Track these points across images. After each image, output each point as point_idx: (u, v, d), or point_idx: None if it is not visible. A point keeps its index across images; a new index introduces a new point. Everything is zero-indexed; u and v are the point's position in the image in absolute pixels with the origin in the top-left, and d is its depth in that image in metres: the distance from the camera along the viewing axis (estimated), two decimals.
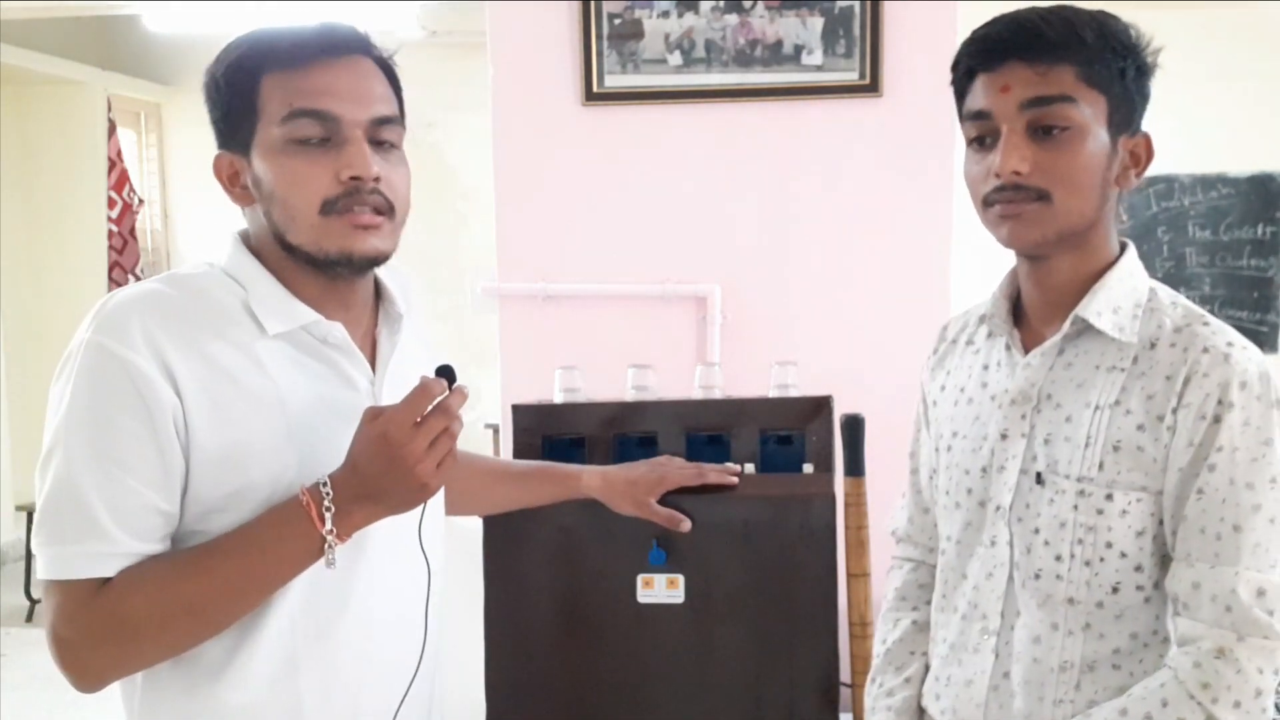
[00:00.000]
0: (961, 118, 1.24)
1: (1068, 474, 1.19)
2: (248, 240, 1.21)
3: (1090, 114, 1.16)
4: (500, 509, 1.68)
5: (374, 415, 1.10)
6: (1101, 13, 1.19)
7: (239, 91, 1.14)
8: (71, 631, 1.09)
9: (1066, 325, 1.22)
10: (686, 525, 1.65)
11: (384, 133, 1.18)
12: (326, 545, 1.09)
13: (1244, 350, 1.16)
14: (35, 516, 1.10)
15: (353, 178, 1.13)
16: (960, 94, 1.24)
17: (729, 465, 1.72)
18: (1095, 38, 1.16)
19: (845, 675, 1.95)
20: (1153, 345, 1.19)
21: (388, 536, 1.21)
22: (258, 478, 1.12)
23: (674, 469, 1.66)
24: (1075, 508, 1.18)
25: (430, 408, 1.09)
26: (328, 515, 1.09)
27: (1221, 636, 1.12)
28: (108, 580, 1.09)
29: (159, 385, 1.08)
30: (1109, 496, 1.17)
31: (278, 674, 1.16)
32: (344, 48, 1.16)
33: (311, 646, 1.17)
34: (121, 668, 1.13)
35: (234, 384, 1.12)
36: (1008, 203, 1.18)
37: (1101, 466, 1.18)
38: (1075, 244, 1.21)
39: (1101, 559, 1.18)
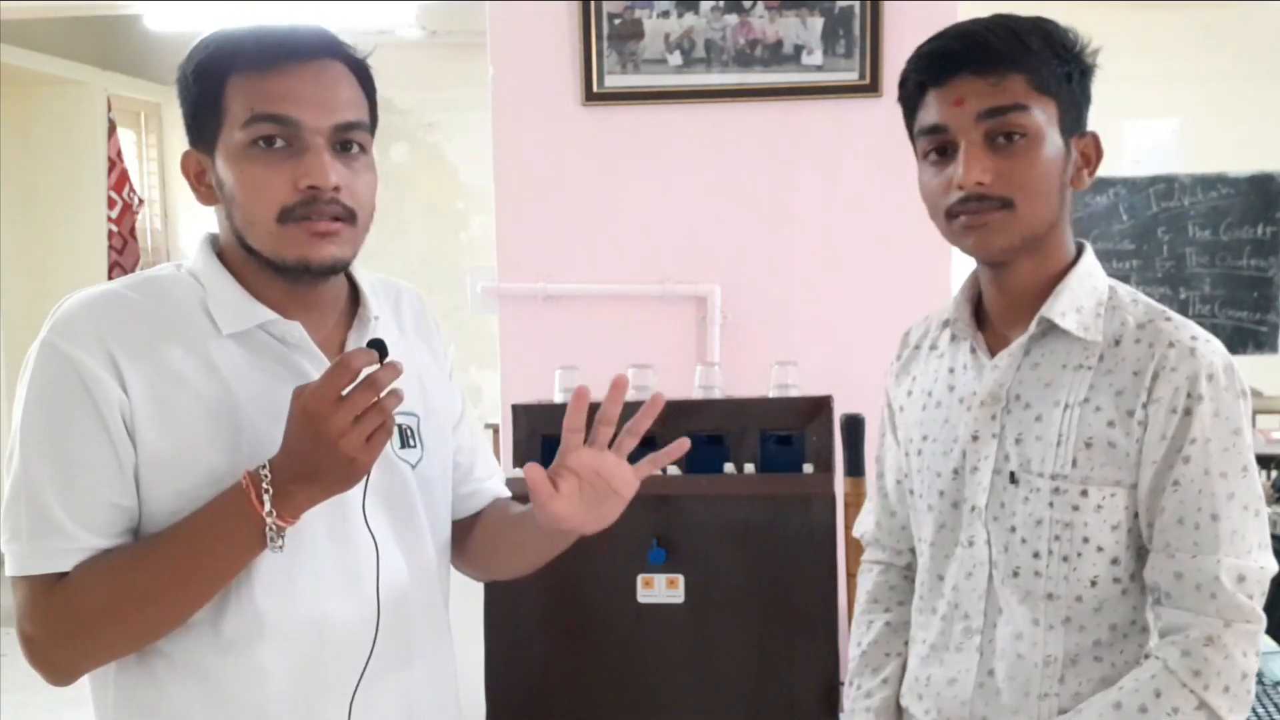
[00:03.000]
0: (913, 133, 1.25)
1: (1041, 472, 1.22)
2: (215, 242, 1.22)
3: (1043, 119, 1.18)
4: (526, 566, 1.40)
5: (296, 393, 1.09)
6: (1040, 18, 1.21)
7: (205, 91, 1.14)
8: (34, 628, 1.11)
9: (1032, 326, 1.24)
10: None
11: (349, 137, 1.16)
12: (269, 528, 1.09)
13: (1208, 344, 1.19)
14: None
15: (310, 187, 1.12)
16: (911, 109, 1.25)
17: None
18: (1040, 45, 1.18)
19: (845, 675, 1.95)
20: (1117, 342, 1.21)
21: (334, 516, 1.18)
22: (205, 480, 1.12)
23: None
24: (1051, 505, 1.21)
25: (358, 381, 1.07)
26: (266, 497, 1.08)
27: (1209, 624, 1.14)
28: (64, 575, 1.10)
29: (106, 382, 1.09)
30: (1084, 492, 1.19)
31: (246, 682, 1.15)
32: (311, 51, 1.14)
33: (283, 648, 1.16)
34: (86, 661, 1.14)
35: (182, 386, 1.12)
36: (973, 213, 1.19)
37: (1075, 463, 1.20)
38: (1036, 247, 1.23)
39: (1079, 554, 1.20)
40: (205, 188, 1.18)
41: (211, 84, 1.14)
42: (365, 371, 1.08)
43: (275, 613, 1.16)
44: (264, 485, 1.09)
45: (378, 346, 1.11)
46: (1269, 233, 5.26)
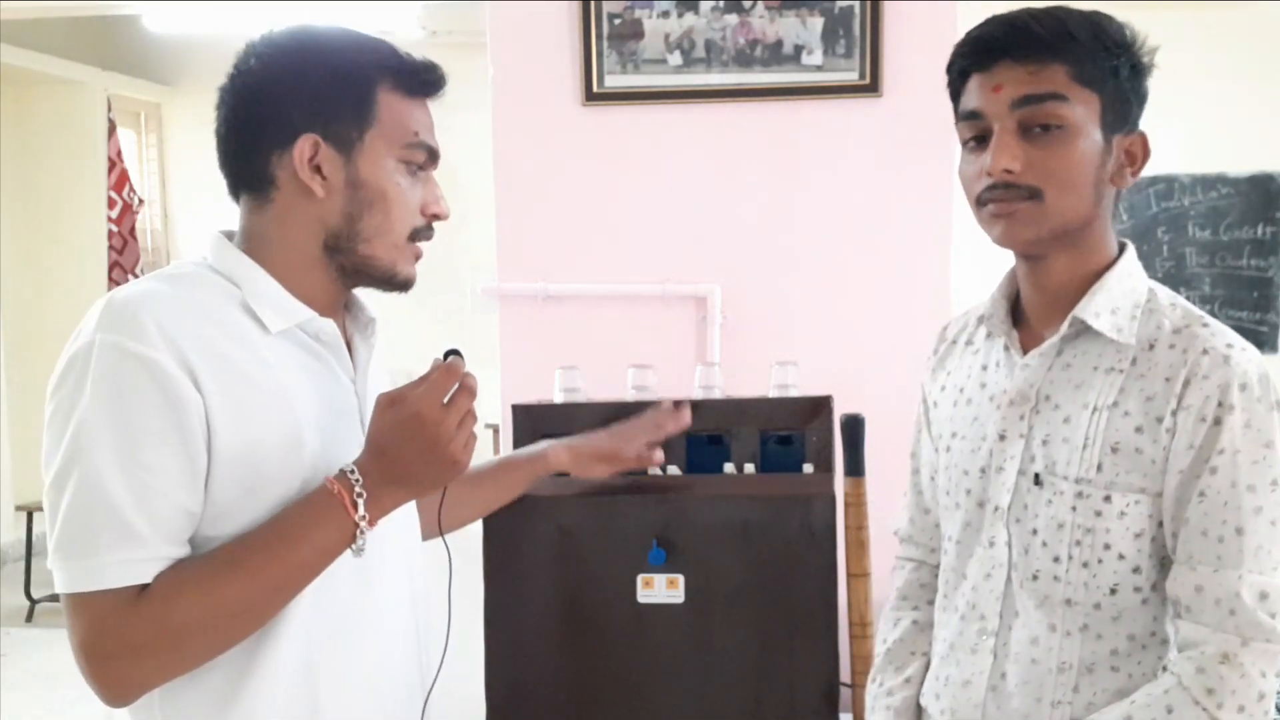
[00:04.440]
0: (957, 119, 1.25)
1: (1066, 475, 1.19)
2: (233, 239, 1.22)
3: (1082, 112, 1.16)
4: (480, 514, 1.70)
5: (394, 400, 1.12)
6: (1095, 12, 1.19)
7: (353, 90, 1.17)
8: (111, 644, 1.06)
9: (1065, 326, 1.22)
10: (659, 457, 1.70)
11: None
12: (358, 532, 1.11)
13: (1243, 352, 1.16)
14: (56, 531, 1.06)
15: (435, 215, 1.23)
16: (955, 95, 1.25)
17: (668, 407, 1.74)
18: (1088, 36, 1.16)
19: (845, 675, 1.95)
20: (1151, 346, 1.19)
21: (392, 532, 1.22)
22: (271, 477, 1.12)
23: (634, 428, 1.71)
24: (1073, 509, 1.18)
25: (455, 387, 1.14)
26: (360, 501, 1.10)
27: (1225, 641, 1.11)
28: (144, 588, 1.06)
29: (182, 382, 1.06)
30: (1107, 498, 1.17)
31: (295, 678, 1.15)
32: (438, 89, 1.23)
33: (325, 646, 1.17)
34: (162, 676, 1.09)
35: (248, 381, 1.12)
36: (1000, 201, 1.18)
37: (1100, 468, 1.17)
38: (1072, 243, 1.21)
39: (1100, 560, 1.18)
40: (314, 172, 1.17)
41: (361, 86, 1.17)
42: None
43: (348, 614, 1.18)
44: (356, 490, 1.10)
45: (457, 355, 1.17)
46: (1269, 233, 5.27)
